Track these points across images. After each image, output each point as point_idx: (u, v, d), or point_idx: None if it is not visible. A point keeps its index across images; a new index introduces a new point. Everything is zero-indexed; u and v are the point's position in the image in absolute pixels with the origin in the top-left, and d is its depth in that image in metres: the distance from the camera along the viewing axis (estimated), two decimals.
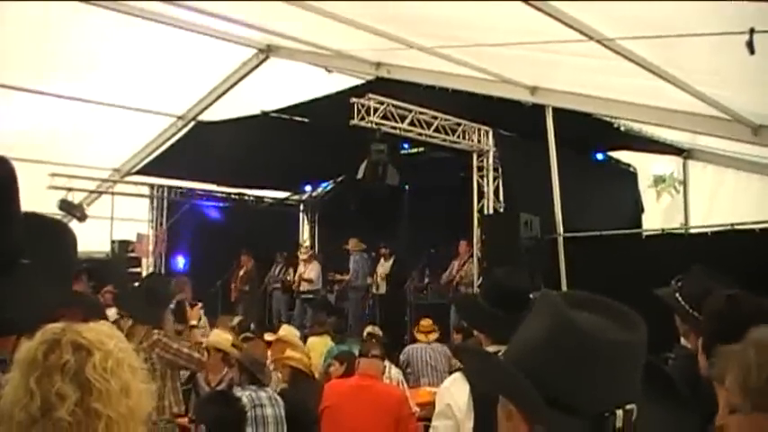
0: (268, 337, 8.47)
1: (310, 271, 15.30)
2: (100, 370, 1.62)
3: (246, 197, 17.50)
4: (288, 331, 8.23)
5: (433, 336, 9.75)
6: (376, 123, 10.52)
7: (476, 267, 12.51)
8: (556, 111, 10.24)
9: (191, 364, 6.10)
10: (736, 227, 9.65)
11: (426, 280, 14.77)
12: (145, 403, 1.71)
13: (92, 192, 14.24)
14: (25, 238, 1.54)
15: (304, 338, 8.95)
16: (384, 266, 15.13)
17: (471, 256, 12.95)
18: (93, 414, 1.59)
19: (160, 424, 5.64)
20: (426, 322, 9.93)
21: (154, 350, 5.76)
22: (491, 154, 12.59)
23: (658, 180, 13.56)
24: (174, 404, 5.86)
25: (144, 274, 14.81)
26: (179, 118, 12.88)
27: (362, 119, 10.38)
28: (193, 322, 6.62)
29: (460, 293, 12.63)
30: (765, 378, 1.68)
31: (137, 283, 13.38)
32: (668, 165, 13.50)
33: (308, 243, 18.46)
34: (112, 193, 14.56)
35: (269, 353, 7.74)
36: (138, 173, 14.34)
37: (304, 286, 15.29)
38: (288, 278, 15.89)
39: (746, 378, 1.71)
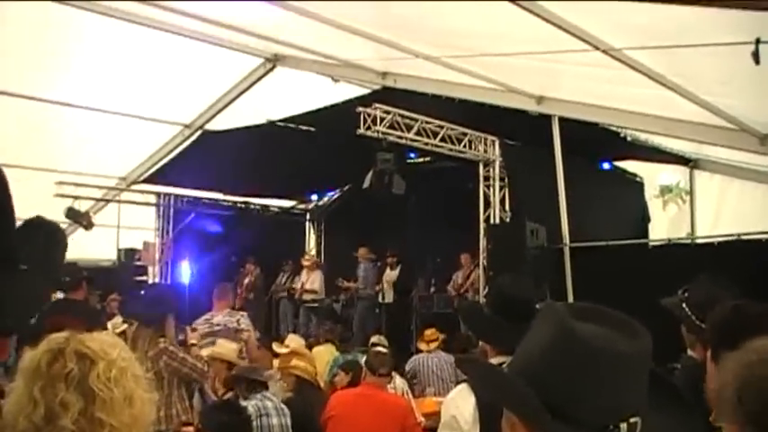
0: (277, 348, 8.31)
1: (313, 281, 15.23)
2: (104, 379, 1.62)
3: (252, 206, 17.51)
4: (297, 343, 8.17)
5: (435, 344, 9.71)
6: (382, 133, 10.52)
7: (482, 276, 12.49)
8: (562, 120, 10.22)
9: (194, 374, 6.07)
10: (743, 237, 9.63)
11: (432, 289, 14.76)
12: (148, 412, 1.71)
13: (98, 200, 14.26)
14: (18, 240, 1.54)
15: (309, 347, 8.92)
16: (390, 275, 15.10)
17: (477, 265, 12.96)
18: (97, 423, 1.60)
19: None
20: (430, 332, 9.90)
21: (161, 358, 5.76)
22: (497, 163, 12.59)
23: (665, 190, 13.54)
24: (182, 412, 5.84)
25: (150, 282, 14.84)
26: (186, 126, 12.90)
27: (369, 128, 10.38)
28: (193, 341, 6.59)
29: (466, 301, 12.62)
30: (756, 394, 1.66)
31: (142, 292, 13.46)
32: (674, 174, 13.48)
33: (314, 251, 18.47)
34: (119, 202, 14.59)
35: (275, 362, 7.73)
36: (144, 181, 14.36)
37: (307, 296, 15.27)
38: (294, 287, 15.88)
39: (740, 390, 1.70)
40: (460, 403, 3.08)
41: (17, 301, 1.58)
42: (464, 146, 11.96)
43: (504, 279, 3.66)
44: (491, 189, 12.64)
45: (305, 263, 15.75)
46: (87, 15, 8.56)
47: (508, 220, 12.56)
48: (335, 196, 18.75)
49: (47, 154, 12.03)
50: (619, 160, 13.76)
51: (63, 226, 13.76)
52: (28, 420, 1.57)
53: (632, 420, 1.37)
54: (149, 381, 1.78)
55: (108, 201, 14.49)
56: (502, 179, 12.63)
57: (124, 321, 8.09)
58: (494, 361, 3.11)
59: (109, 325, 8.09)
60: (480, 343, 3.80)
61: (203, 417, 5.02)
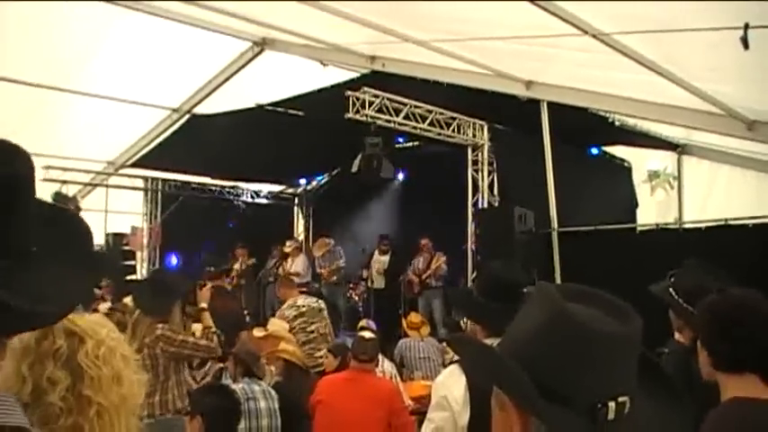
0: (256, 333, 8.12)
1: (297, 265, 15.17)
2: (92, 357, 1.62)
3: (241, 190, 17.46)
4: (278, 326, 8.08)
5: (426, 330, 9.75)
6: (371, 117, 10.50)
7: (470, 261, 12.52)
8: (551, 105, 10.24)
9: (198, 352, 6.02)
10: (730, 222, 9.65)
11: None
12: (137, 393, 1.71)
13: (86, 184, 14.21)
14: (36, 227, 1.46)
15: None
16: (381, 261, 15.12)
17: (437, 251, 13.63)
18: (85, 400, 1.60)
19: (161, 419, 5.61)
20: (416, 318, 9.91)
21: (157, 345, 5.75)
22: (486, 148, 12.59)
23: (653, 175, 13.58)
24: (178, 398, 5.80)
25: (138, 267, 14.80)
26: (174, 110, 12.84)
27: (357, 112, 10.36)
28: (203, 304, 6.42)
29: (456, 287, 12.65)
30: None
31: (133, 276, 13.38)
32: (663, 160, 13.53)
33: (302, 236, 18.45)
34: (107, 186, 14.52)
35: (262, 345, 7.72)
36: (132, 165, 14.29)
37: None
38: (281, 271, 15.82)
39: None
40: (451, 384, 3.10)
41: (40, 289, 1.48)
42: (453, 130, 11.96)
43: (495, 263, 3.70)
44: (479, 173, 12.65)
45: (287, 249, 15.65)
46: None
47: (496, 204, 12.58)
48: (324, 180, 18.72)
49: (34, 138, 11.81)
50: (607, 145, 13.78)
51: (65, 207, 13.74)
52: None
53: (621, 400, 1.37)
54: (138, 363, 1.78)
55: (96, 185, 14.43)
56: (490, 164, 12.63)
57: (111, 309, 8.02)
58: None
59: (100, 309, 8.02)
60: (469, 325, 3.82)
61: (192, 399, 5.00)
